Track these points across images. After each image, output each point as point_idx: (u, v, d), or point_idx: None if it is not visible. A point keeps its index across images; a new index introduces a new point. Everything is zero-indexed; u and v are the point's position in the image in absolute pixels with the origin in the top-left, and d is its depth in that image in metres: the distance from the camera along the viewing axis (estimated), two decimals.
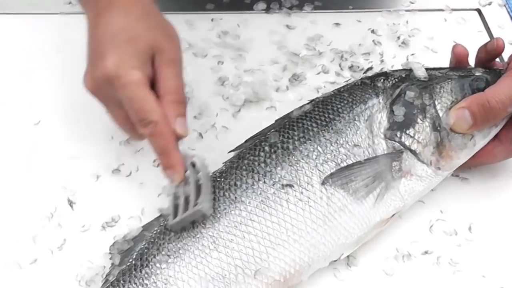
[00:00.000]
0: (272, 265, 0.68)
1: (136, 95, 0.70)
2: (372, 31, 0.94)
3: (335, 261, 0.72)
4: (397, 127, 0.75)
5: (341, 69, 0.90)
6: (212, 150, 0.81)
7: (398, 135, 0.74)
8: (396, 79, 0.78)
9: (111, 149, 0.83)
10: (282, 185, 0.71)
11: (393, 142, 0.74)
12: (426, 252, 0.75)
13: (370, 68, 0.89)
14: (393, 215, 0.74)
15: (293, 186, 0.71)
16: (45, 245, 0.75)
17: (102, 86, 0.71)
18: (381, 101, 0.76)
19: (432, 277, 0.73)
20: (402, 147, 0.74)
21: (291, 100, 0.87)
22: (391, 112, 0.75)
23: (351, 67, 0.90)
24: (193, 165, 0.72)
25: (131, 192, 0.79)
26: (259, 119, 0.82)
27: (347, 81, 0.88)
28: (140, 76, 0.70)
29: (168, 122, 0.71)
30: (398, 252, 0.75)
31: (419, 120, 0.75)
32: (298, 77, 0.89)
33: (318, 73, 0.89)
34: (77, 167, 0.81)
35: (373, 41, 0.93)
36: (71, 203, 0.78)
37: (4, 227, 0.76)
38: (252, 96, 0.86)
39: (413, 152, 0.74)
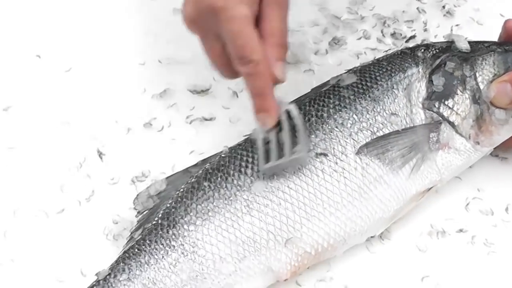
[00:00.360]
0: (304, 236, 0.67)
1: (241, 31, 0.66)
2: None
3: (372, 237, 0.71)
4: (435, 97, 0.72)
5: (383, 35, 0.87)
6: (246, 110, 0.79)
7: (437, 106, 0.72)
8: (437, 50, 0.76)
9: (143, 102, 0.81)
10: (316, 153, 0.69)
11: (432, 112, 0.72)
12: (461, 230, 0.73)
13: (413, 37, 0.86)
14: (429, 189, 0.72)
15: (327, 155, 0.69)
16: (73, 196, 0.74)
17: (205, 16, 0.68)
18: (420, 70, 0.74)
19: (465, 256, 0.72)
20: (440, 118, 0.72)
21: (330, 64, 0.84)
22: (430, 82, 0.73)
23: (393, 34, 0.87)
24: (288, 113, 0.69)
25: (162, 148, 0.77)
26: (297, 82, 0.80)
27: (387, 50, 0.85)
28: (247, 12, 0.67)
29: (268, 64, 0.67)
30: (433, 228, 0.73)
31: (458, 92, 0.73)
32: (339, 41, 0.86)
33: (359, 38, 0.87)
34: (108, 119, 0.79)
35: (417, 8, 0.90)
36: (100, 154, 0.76)
37: (32, 174, 0.75)
38: (291, 57, 0.84)
39: (452, 124, 0.72)
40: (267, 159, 0.68)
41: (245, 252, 0.66)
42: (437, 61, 0.74)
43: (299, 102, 0.73)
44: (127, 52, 0.82)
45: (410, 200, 0.71)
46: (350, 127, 0.70)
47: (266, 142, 0.69)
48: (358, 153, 0.69)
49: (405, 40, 0.86)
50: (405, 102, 0.72)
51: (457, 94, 0.73)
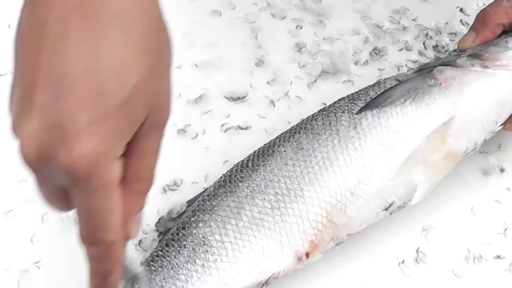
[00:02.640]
0: (308, 200, 0.65)
1: (102, 207, 0.47)
2: (461, 10, 0.88)
3: (388, 209, 0.67)
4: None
5: (425, 47, 0.85)
6: (282, 120, 0.78)
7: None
8: None
9: (178, 108, 0.77)
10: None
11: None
12: (498, 257, 0.71)
13: (455, 51, 0.84)
14: (445, 124, 0.68)
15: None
16: None
17: (52, 170, 0.45)
18: None
19: (502, 283, 0.70)
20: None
21: (370, 76, 0.82)
22: None
23: (435, 47, 0.85)
24: (133, 281, 0.59)
25: (196, 156, 0.76)
26: (335, 93, 0.78)
27: None
28: (117, 174, 0.46)
29: (121, 237, 0.49)
30: (469, 253, 0.71)
31: None
32: (380, 52, 0.84)
33: (401, 50, 0.84)
34: None
35: (461, 20, 0.87)
36: None
37: None
38: (330, 67, 0.82)
39: (446, 64, 0.71)
40: None
41: (254, 233, 0.65)
42: None
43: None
44: None
45: (424, 140, 0.67)
46: (346, 105, 0.70)
47: None
48: (357, 113, 0.68)
49: (447, 53, 0.84)
50: None
51: None
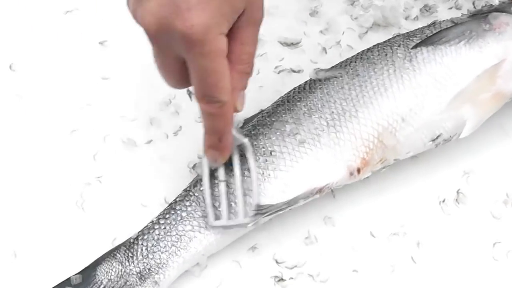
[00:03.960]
0: (362, 121, 0.69)
1: (215, 68, 0.58)
2: None
3: (434, 140, 0.71)
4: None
5: (474, 7, 0.87)
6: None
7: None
8: None
9: None
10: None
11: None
12: None
13: None
14: (496, 65, 0.71)
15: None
16: (162, 129, 0.77)
17: (170, 38, 0.57)
18: None
19: None
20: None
21: None
22: None
23: (484, 7, 0.87)
24: (241, 149, 0.68)
25: (250, 94, 0.77)
26: None
27: None
28: (225, 47, 0.58)
29: (233, 99, 0.62)
30: (508, 197, 0.74)
31: None
32: (430, 9, 0.86)
33: (450, 8, 0.87)
34: None
35: None
36: (190, 94, 0.79)
37: (124, 106, 0.79)
38: (381, 19, 0.85)
39: (501, 10, 0.74)
40: (216, 214, 0.67)
41: (311, 147, 0.69)
42: None
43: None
44: None
45: (474, 78, 0.71)
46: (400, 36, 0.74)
47: (214, 176, 0.68)
48: (412, 47, 0.71)
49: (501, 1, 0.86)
50: None
51: None
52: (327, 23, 0.85)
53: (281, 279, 0.68)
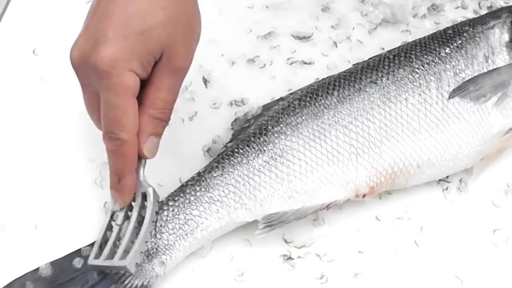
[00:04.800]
0: (383, 154, 0.72)
1: (118, 103, 0.61)
2: None
3: (447, 181, 0.75)
4: None
5: (480, 7, 0.91)
6: (343, 60, 0.84)
7: None
8: None
9: (249, 41, 0.87)
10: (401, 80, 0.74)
11: None
12: None
13: None
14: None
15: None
16: (178, 114, 0.80)
17: (88, 71, 0.62)
18: (501, 20, 0.78)
19: None
20: None
21: (427, 28, 0.88)
22: None
23: (489, 8, 0.91)
24: (144, 195, 0.68)
25: (262, 83, 0.83)
26: (393, 40, 0.85)
27: None
28: (132, 84, 0.61)
29: (136, 142, 0.63)
30: (508, 187, 0.77)
31: None
32: (437, 8, 0.90)
33: (457, 8, 0.91)
34: (215, 51, 0.85)
35: None
36: (205, 81, 0.82)
37: None
38: (390, 17, 0.88)
39: None
40: (100, 251, 0.66)
41: (329, 161, 0.71)
42: None
43: (390, 51, 0.78)
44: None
45: (491, 139, 0.74)
46: (434, 67, 0.75)
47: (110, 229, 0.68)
48: (448, 97, 0.74)
49: None
50: (487, 47, 0.76)
51: None
52: (338, 19, 0.88)
53: (290, 258, 0.71)
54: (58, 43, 0.85)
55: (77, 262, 0.68)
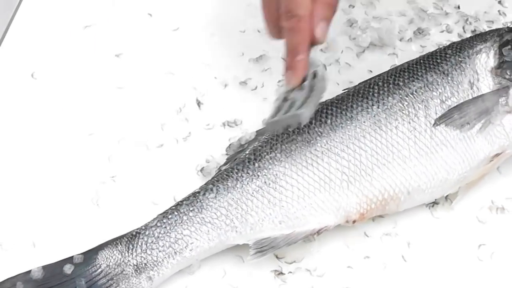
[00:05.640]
0: (374, 181, 0.74)
1: None
2: (499, 2, 0.97)
3: (436, 203, 0.78)
4: (506, 66, 0.78)
5: (464, 31, 0.94)
6: (334, 84, 0.87)
7: (508, 73, 0.78)
8: (505, 30, 0.82)
9: (241, 64, 0.89)
10: (391, 108, 0.76)
11: (501, 78, 0.78)
12: None
13: None
14: (498, 154, 0.77)
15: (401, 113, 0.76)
16: (172, 134, 0.82)
17: None
18: (488, 45, 0.80)
19: None
20: (509, 83, 0.77)
21: (413, 51, 0.91)
22: (500, 54, 0.79)
23: (473, 31, 0.94)
24: (315, 74, 0.72)
25: (254, 104, 0.85)
26: (380, 62, 0.88)
27: None
28: None
29: (312, 22, 0.70)
30: (493, 204, 0.79)
31: None
32: (423, 31, 0.93)
33: (442, 32, 0.93)
34: (208, 74, 0.88)
35: (499, 11, 0.96)
36: (199, 103, 0.85)
37: (137, 111, 0.85)
38: (377, 40, 0.91)
39: None
40: (276, 114, 0.71)
41: (321, 188, 0.73)
42: (506, 37, 0.80)
43: (379, 76, 0.81)
44: (229, 20, 0.91)
45: (477, 166, 0.77)
46: (422, 94, 0.77)
47: (285, 100, 0.72)
48: (434, 124, 0.76)
49: None
50: (472, 73, 0.78)
51: None
52: (327, 43, 0.91)
53: (281, 273, 0.73)
54: (56, 67, 0.87)
55: (68, 268, 0.70)
